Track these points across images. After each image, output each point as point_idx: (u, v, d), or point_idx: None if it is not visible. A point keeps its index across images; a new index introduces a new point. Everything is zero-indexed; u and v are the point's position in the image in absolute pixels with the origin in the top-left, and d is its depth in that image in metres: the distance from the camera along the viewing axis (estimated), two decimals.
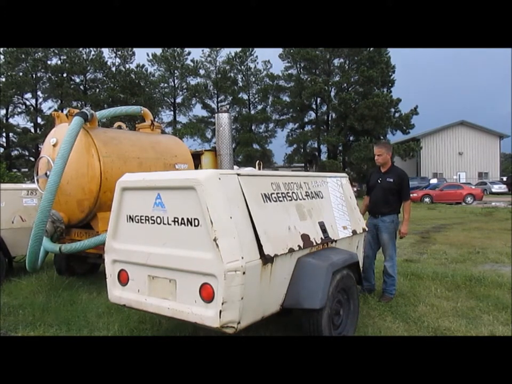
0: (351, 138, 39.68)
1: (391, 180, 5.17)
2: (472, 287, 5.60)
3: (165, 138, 7.00)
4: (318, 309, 3.35)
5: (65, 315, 4.76)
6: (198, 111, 56.94)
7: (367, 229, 4.90)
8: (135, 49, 41.35)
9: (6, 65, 35.87)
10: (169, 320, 3.99)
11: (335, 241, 4.06)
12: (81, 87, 40.27)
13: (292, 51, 39.96)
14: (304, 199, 3.85)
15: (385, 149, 5.27)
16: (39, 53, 37.32)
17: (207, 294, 2.96)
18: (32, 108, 39.25)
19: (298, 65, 41.88)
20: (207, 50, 42.69)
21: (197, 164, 7.01)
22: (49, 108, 39.54)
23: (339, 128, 39.03)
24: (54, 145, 5.71)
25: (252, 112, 43.64)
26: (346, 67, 40.04)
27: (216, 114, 7.00)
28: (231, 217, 2.95)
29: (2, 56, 35.93)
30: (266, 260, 3.10)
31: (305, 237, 3.59)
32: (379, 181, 5.28)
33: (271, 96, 43.19)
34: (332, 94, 39.62)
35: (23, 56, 36.60)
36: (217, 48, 41.67)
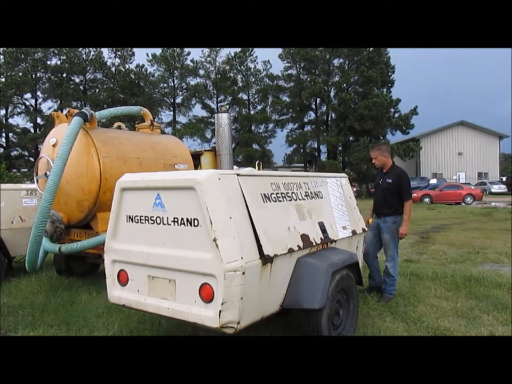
0: (351, 138, 39.72)
1: (390, 180, 5.20)
2: (472, 287, 5.60)
3: (164, 139, 7.01)
4: (318, 309, 3.35)
5: (64, 315, 4.76)
6: (198, 111, 57.02)
7: (366, 229, 4.90)
8: (134, 49, 41.40)
9: (5, 65, 35.86)
10: (169, 320, 3.99)
11: (335, 241, 4.06)
12: (81, 87, 40.27)
13: (291, 51, 39.98)
14: (304, 199, 3.86)
15: (379, 151, 5.31)
16: (39, 53, 37.31)
17: (206, 294, 2.96)
18: (31, 108, 39.25)
19: (298, 66, 41.90)
20: (206, 50, 42.74)
21: (197, 164, 7.01)
22: (49, 108, 39.62)
23: (339, 129, 39.05)
24: (53, 146, 5.71)
25: (252, 112, 43.64)
26: (346, 67, 40.04)
27: (215, 115, 6.99)
28: (230, 218, 2.95)
29: (2, 56, 35.93)
30: (266, 260, 3.10)
31: (304, 237, 3.59)
32: (380, 182, 5.36)
33: (270, 96, 43.20)
34: (332, 94, 39.64)
35: (22, 56, 36.60)
36: (217, 48, 41.69)
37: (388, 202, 5.19)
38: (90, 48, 37.90)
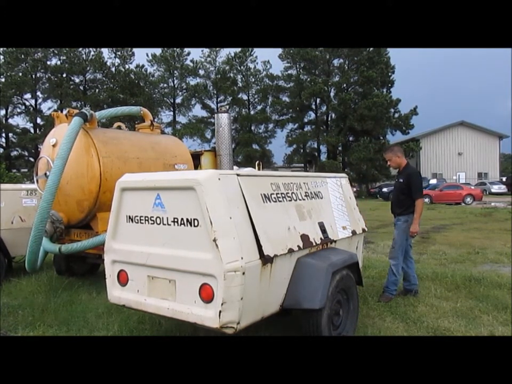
0: (351, 138, 39.76)
1: (401, 180, 5.28)
2: (472, 288, 5.60)
3: (164, 139, 7.00)
4: (318, 309, 3.35)
5: (64, 315, 4.76)
6: (198, 111, 57.14)
7: (366, 229, 4.90)
8: (134, 50, 41.42)
9: (5, 65, 35.87)
10: (169, 320, 3.99)
11: (335, 241, 4.06)
12: (81, 87, 40.29)
13: (291, 51, 40.02)
14: (304, 199, 3.85)
15: (392, 152, 5.40)
16: (39, 53, 37.35)
17: (206, 294, 2.96)
18: (31, 108, 39.27)
19: (298, 66, 41.94)
20: (206, 50, 42.79)
21: (197, 164, 7.01)
22: (49, 108, 39.67)
23: (339, 129, 39.08)
24: (53, 146, 5.71)
25: (252, 112, 43.67)
26: (346, 67, 40.08)
27: (215, 115, 6.99)
28: (230, 218, 2.95)
29: (2, 57, 35.94)
30: (266, 260, 3.10)
31: (304, 237, 3.59)
32: (395, 182, 5.52)
33: (270, 97, 43.25)
34: (332, 94, 39.69)
35: (22, 56, 36.63)
36: (217, 49, 41.72)
37: (400, 202, 5.25)
38: (90, 48, 37.95)
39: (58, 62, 38.73)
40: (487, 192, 33.52)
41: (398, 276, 5.16)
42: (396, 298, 5.14)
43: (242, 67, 43.22)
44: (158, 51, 41.99)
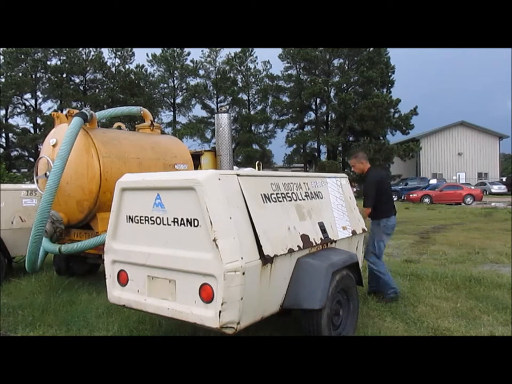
0: (351, 138, 39.72)
1: (363, 187, 5.44)
2: (472, 288, 5.60)
3: (164, 139, 7.00)
4: (318, 309, 3.35)
5: (64, 315, 4.76)
6: (198, 111, 57.11)
7: (366, 230, 4.91)
8: (134, 50, 41.37)
9: (5, 65, 35.85)
10: (168, 320, 3.99)
11: (335, 241, 4.06)
12: (81, 87, 40.24)
13: (291, 51, 39.96)
14: (304, 199, 3.86)
15: (356, 159, 5.49)
16: (39, 54, 37.29)
17: (206, 294, 2.96)
18: (31, 108, 39.22)
19: (298, 66, 41.89)
20: (206, 50, 42.72)
21: (197, 164, 7.01)
22: (49, 109, 39.60)
23: (339, 129, 39.04)
24: (53, 146, 5.71)
25: (252, 112, 43.61)
26: (346, 67, 40.05)
27: (215, 115, 6.99)
28: (230, 218, 2.95)
29: (2, 56, 35.92)
30: (266, 260, 3.10)
31: (304, 237, 3.59)
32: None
33: (270, 97, 43.17)
34: (332, 94, 39.63)
35: (22, 56, 36.58)
36: (217, 49, 41.69)
37: None
38: (90, 48, 37.92)
39: (58, 62, 38.66)
40: (487, 192, 33.48)
41: (381, 275, 5.10)
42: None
43: (242, 67, 43.15)
44: (158, 51, 41.96)
